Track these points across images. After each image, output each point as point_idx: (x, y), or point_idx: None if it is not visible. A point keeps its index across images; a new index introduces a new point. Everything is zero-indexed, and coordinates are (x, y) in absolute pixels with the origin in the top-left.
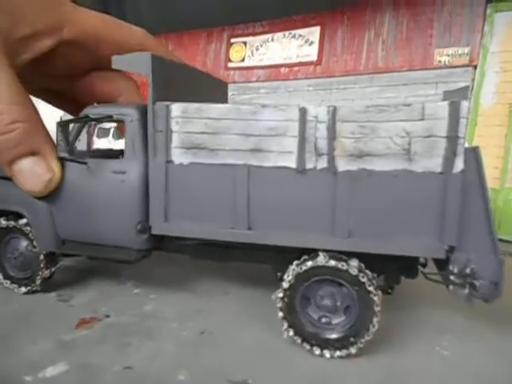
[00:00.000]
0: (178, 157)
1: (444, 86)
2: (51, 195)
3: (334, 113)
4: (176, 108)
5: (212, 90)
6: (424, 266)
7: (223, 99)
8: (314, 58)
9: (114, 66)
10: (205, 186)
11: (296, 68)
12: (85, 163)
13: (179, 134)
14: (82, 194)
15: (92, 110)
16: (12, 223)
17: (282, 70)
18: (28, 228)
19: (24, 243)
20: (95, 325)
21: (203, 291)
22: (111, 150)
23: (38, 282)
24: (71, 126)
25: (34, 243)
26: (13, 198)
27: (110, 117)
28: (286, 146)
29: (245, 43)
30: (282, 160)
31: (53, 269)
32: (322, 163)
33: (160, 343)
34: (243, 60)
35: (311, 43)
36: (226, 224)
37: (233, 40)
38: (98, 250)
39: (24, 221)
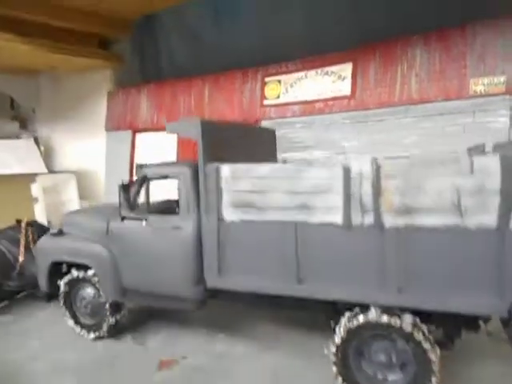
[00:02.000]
0: (229, 214)
1: (482, 115)
2: (116, 248)
3: (378, 169)
4: (225, 169)
5: (260, 139)
6: (487, 320)
7: (272, 147)
8: (348, 92)
9: (167, 132)
10: (255, 242)
11: (330, 102)
12: (145, 219)
13: (229, 193)
14: (143, 248)
15: (149, 170)
16: (81, 274)
17: (317, 104)
18: (95, 278)
19: (92, 292)
20: (175, 366)
21: (265, 332)
22: (169, 202)
23: (105, 328)
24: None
25: (101, 293)
26: (82, 252)
27: (166, 176)
28: (332, 203)
29: (279, 81)
30: (329, 216)
31: (118, 316)
32: (369, 219)
33: None
34: (278, 97)
35: (344, 78)
36: (277, 278)
37: (267, 79)
38: (157, 299)
39: (92, 272)
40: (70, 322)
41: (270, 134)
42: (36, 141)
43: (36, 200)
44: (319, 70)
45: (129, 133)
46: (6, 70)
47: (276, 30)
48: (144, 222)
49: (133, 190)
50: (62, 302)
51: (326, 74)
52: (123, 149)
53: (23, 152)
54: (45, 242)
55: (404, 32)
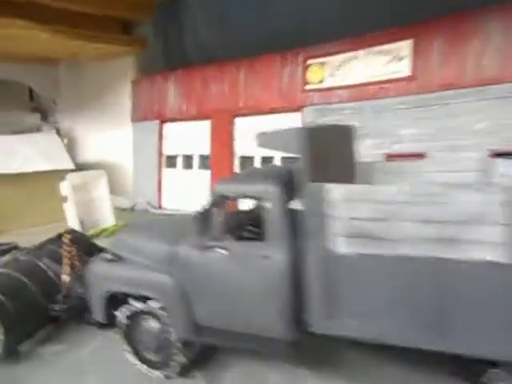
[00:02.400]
0: (342, 246)
1: None
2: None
3: None
4: (336, 191)
5: (342, 142)
6: None
7: (352, 149)
8: (406, 73)
9: (258, 145)
10: (378, 281)
11: (386, 85)
12: (226, 249)
13: (341, 220)
14: (222, 278)
15: (225, 188)
16: (144, 306)
17: (368, 88)
18: (160, 312)
19: (156, 326)
20: None
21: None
22: (246, 213)
23: (175, 367)
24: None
25: (170, 329)
26: (144, 283)
27: (248, 196)
28: (487, 235)
29: (323, 64)
30: (481, 252)
31: (190, 354)
32: None
33: None
34: (322, 81)
35: (401, 58)
36: (406, 327)
37: (309, 61)
38: (239, 339)
39: (156, 304)
40: (132, 358)
41: (348, 133)
42: (58, 133)
43: (65, 199)
44: (371, 50)
45: (156, 123)
46: (23, 59)
47: (315, 6)
48: (222, 250)
49: (209, 215)
50: (121, 335)
51: (380, 53)
52: (151, 140)
53: (46, 146)
54: (98, 268)
55: (475, 3)
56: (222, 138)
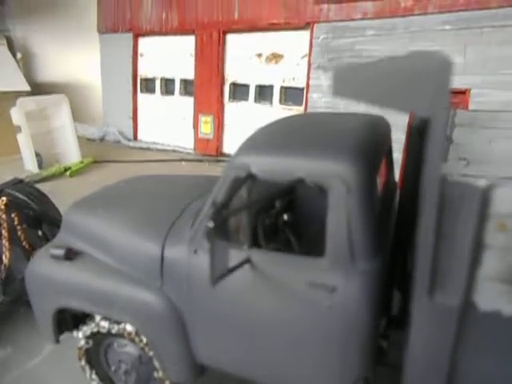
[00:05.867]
0: (493, 298)
1: None
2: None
3: None
4: (507, 195)
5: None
6: None
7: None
8: None
9: (334, 94)
10: None
11: None
12: (253, 265)
13: (503, 254)
14: (248, 307)
15: (255, 161)
16: (113, 327)
17: (403, 2)
18: (140, 338)
19: (134, 352)
20: None
21: None
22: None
23: None
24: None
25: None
26: (116, 301)
27: (296, 181)
28: None
29: None
30: None
31: None
32: None
33: None
34: None
35: None
36: None
37: None
38: None
39: (132, 328)
40: None
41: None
42: (9, 43)
43: (18, 129)
44: None
45: (129, 37)
46: None
47: None
48: (246, 264)
49: (225, 205)
50: (82, 361)
51: None
52: (123, 58)
53: None
54: (43, 268)
55: None
56: (210, 58)
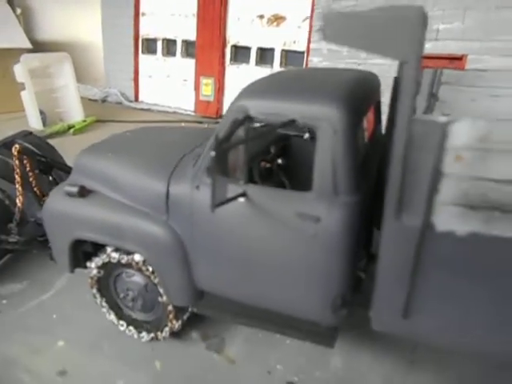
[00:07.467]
0: (448, 220)
1: None
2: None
3: None
4: (463, 130)
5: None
6: None
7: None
8: None
9: (325, 39)
10: (496, 277)
11: None
12: (249, 198)
13: (458, 182)
14: (244, 237)
15: (254, 104)
16: (123, 258)
17: None
18: (147, 267)
19: (141, 281)
20: None
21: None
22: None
23: (165, 333)
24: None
25: (159, 289)
26: (126, 232)
27: (289, 122)
28: None
29: None
30: None
31: (185, 317)
32: None
33: None
34: None
35: None
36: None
37: None
38: (258, 316)
39: (140, 257)
40: (111, 317)
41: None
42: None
43: (22, 86)
44: None
45: None
46: None
47: None
48: (242, 198)
49: (225, 144)
50: (94, 290)
51: None
52: (124, 17)
53: None
54: (59, 204)
55: None
56: (212, 19)
